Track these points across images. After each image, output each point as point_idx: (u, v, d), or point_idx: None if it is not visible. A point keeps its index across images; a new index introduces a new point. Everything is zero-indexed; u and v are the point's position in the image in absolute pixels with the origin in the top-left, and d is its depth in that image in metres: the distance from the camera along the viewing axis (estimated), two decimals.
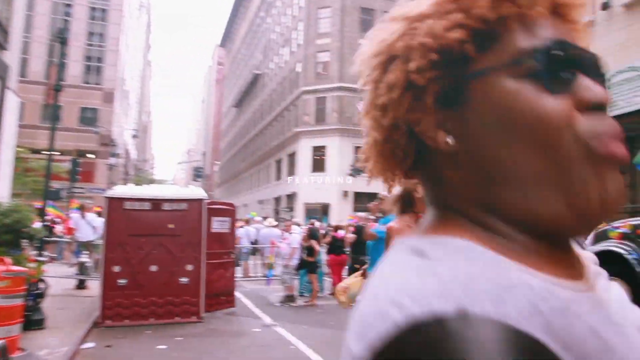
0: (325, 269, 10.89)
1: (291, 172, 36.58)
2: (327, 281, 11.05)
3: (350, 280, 5.03)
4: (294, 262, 9.84)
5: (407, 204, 2.61)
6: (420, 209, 2.60)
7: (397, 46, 0.53)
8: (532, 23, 0.50)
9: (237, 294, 9.19)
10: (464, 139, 0.50)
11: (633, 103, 11.97)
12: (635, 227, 7.96)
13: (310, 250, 9.84)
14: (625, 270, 7.77)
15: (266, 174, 45.03)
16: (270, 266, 12.31)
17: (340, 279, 10.91)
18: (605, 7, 16.50)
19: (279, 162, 40.96)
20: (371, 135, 0.58)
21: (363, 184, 27.48)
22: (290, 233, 10.46)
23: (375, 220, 6.73)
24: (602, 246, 8.32)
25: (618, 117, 12.76)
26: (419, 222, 2.42)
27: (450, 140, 0.51)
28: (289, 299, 9.67)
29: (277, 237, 11.39)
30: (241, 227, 14.38)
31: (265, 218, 18.63)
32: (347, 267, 9.81)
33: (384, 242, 5.66)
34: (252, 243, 15.76)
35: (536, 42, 0.49)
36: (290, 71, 39.38)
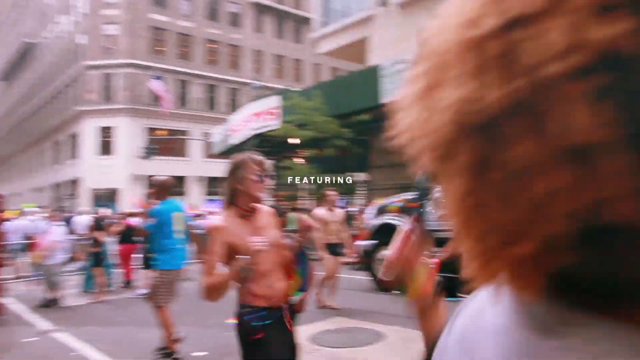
0: (116, 260, 10.01)
1: (73, 155, 32.97)
2: (117, 274, 10.18)
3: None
4: (60, 258, 8.68)
5: (232, 198, 2.43)
6: (243, 203, 2.43)
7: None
8: None
9: (6, 298, 7.87)
10: None
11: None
12: (408, 201, 8.97)
13: (95, 242, 8.92)
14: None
15: (42, 157, 39.85)
16: (36, 264, 10.72)
17: (130, 270, 10.17)
18: (383, 3, 18.20)
19: (58, 144, 36.57)
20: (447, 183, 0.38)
21: (155, 167, 26.20)
22: (54, 225, 9.11)
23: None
24: (382, 219, 9.23)
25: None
26: (243, 216, 2.25)
27: None
28: (52, 302, 8.42)
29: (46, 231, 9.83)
30: (7, 220, 12.36)
31: (42, 208, 16.47)
32: (140, 256, 9.13)
33: (162, 232, 5.29)
34: (27, 238, 13.76)
35: None
36: (71, 42, 35.19)
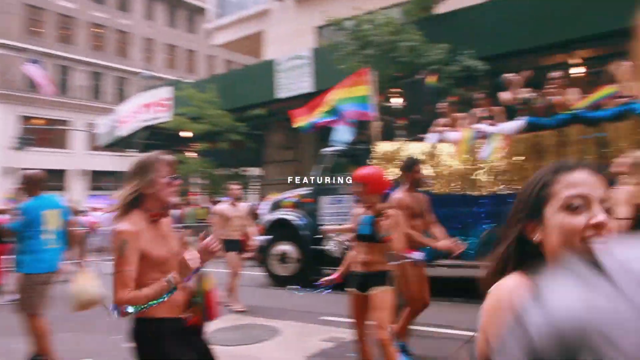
0: None
1: None
2: None
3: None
4: None
5: (137, 202, 2.20)
6: (151, 207, 2.23)
7: None
8: None
9: None
10: None
11: (299, 88, 13.53)
12: (302, 196, 9.07)
13: None
14: (293, 233, 8.81)
15: None
16: None
17: (1, 273, 9.21)
18: None
19: None
20: None
21: (32, 159, 24.04)
22: None
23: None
24: (276, 214, 9.25)
25: (287, 100, 14.22)
26: (150, 220, 2.03)
27: None
28: None
29: None
30: None
31: None
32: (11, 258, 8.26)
33: (29, 231, 4.79)
34: None
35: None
36: None
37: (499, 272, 1.00)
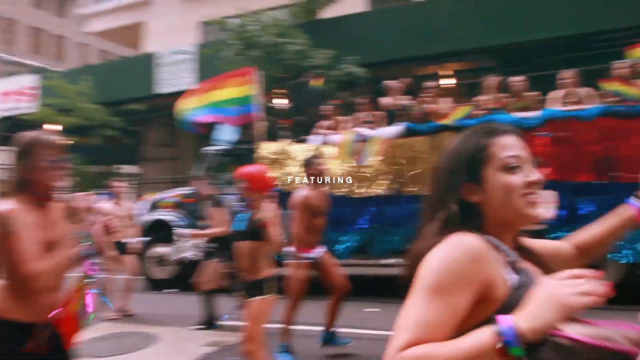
0: None
1: None
2: None
3: None
4: None
5: (23, 187, 2.00)
6: (38, 191, 2.02)
7: None
8: None
9: None
10: None
11: (181, 83, 13.08)
12: (184, 196, 8.76)
13: None
14: (173, 235, 8.48)
15: None
16: None
17: None
18: None
19: None
20: None
21: None
22: None
23: None
24: (154, 215, 8.84)
25: (167, 95, 13.62)
26: (37, 205, 1.87)
27: None
28: None
29: None
30: None
31: None
32: None
33: None
34: None
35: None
36: None
37: (440, 234, 1.01)
